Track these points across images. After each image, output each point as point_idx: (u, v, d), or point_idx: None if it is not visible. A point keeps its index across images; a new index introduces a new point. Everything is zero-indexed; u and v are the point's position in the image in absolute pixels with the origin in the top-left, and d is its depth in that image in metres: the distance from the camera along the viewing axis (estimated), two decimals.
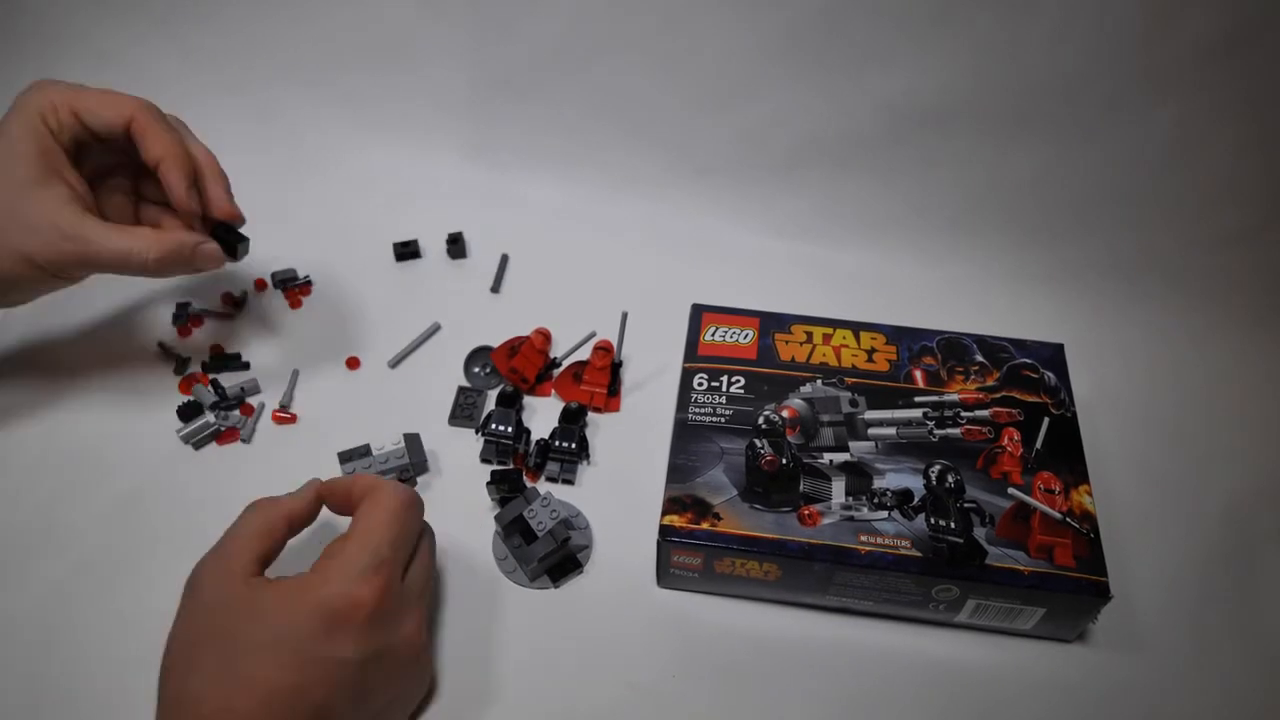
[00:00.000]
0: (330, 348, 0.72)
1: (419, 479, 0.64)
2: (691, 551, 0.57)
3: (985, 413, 0.62)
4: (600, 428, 0.69)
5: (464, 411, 0.68)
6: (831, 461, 0.60)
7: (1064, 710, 0.56)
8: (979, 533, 0.56)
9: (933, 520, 0.57)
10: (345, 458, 0.63)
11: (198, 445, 0.65)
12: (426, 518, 0.54)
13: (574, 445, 0.64)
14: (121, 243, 0.55)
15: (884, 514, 0.57)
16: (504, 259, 0.67)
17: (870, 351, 0.66)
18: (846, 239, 0.82)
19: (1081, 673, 0.58)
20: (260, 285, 0.76)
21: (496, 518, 0.59)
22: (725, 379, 0.64)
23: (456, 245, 0.79)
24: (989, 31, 0.72)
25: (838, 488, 0.58)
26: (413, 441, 0.64)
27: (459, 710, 0.54)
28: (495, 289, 0.71)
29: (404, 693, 0.51)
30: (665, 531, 0.56)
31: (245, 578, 0.47)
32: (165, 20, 0.84)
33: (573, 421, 0.66)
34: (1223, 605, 0.61)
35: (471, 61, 0.82)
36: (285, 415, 0.67)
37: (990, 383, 0.64)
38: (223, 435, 0.66)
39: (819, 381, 0.64)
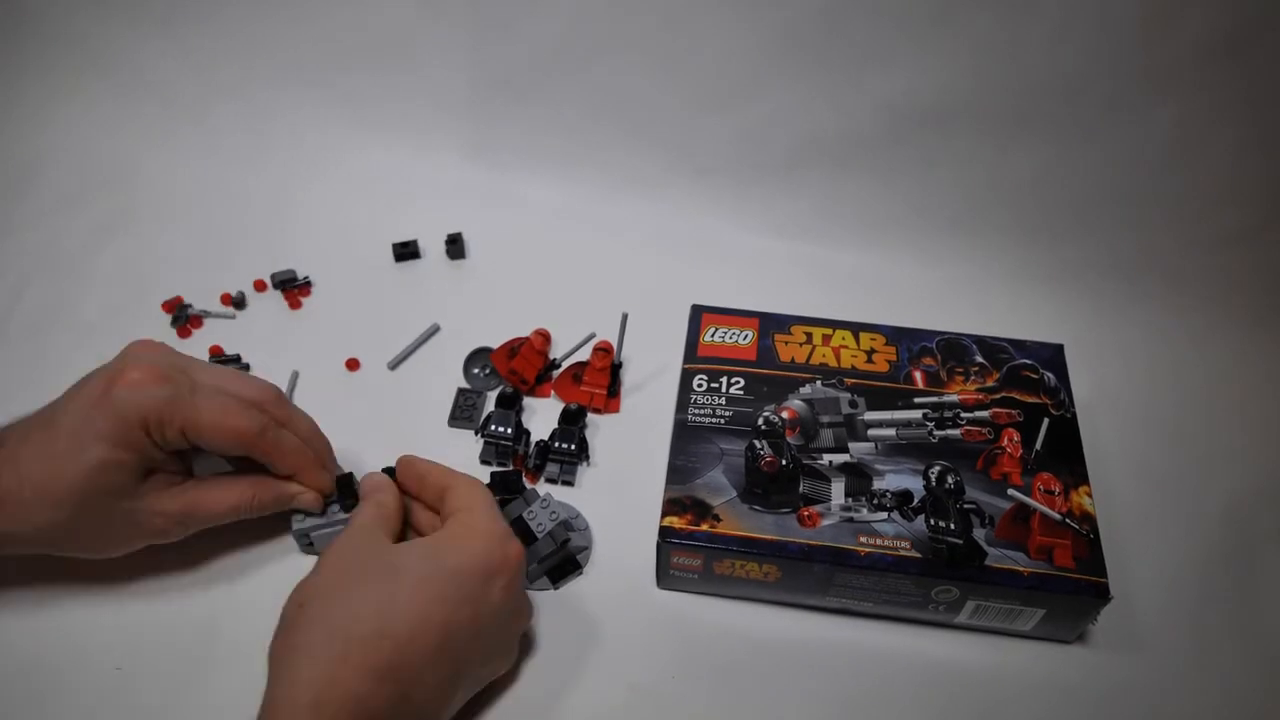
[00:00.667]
0: (330, 349, 0.72)
1: None
2: (691, 553, 0.57)
3: (985, 413, 0.62)
4: (600, 429, 0.69)
5: (463, 413, 0.68)
6: (831, 463, 0.60)
7: (1064, 710, 0.56)
8: (979, 534, 0.56)
9: (932, 521, 0.57)
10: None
11: None
12: None
13: (573, 446, 0.64)
14: (228, 503, 0.55)
15: (884, 515, 0.57)
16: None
17: (870, 352, 0.66)
18: (846, 239, 0.82)
19: (1081, 673, 0.58)
20: (260, 286, 0.76)
21: None
22: (725, 380, 0.64)
23: (456, 245, 0.79)
24: (989, 31, 0.72)
25: (837, 489, 0.58)
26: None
27: (459, 712, 0.54)
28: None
29: (504, 660, 0.53)
30: (665, 533, 0.56)
31: (386, 541, 0.51)
32: (166, 21, 0.84)
33: (572, 423, 0.66)
34: (1223, 605, 0.61)
35: (471, 62, 0.82)
36: None
37: (990, 383, 0.64)
38: None
39: (819, 382, 0.64)
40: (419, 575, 0.47)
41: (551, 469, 0.65)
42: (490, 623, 0.49)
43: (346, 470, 0.60)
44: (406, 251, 0.79)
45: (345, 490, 0.59)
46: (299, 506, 0.58)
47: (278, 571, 0.59)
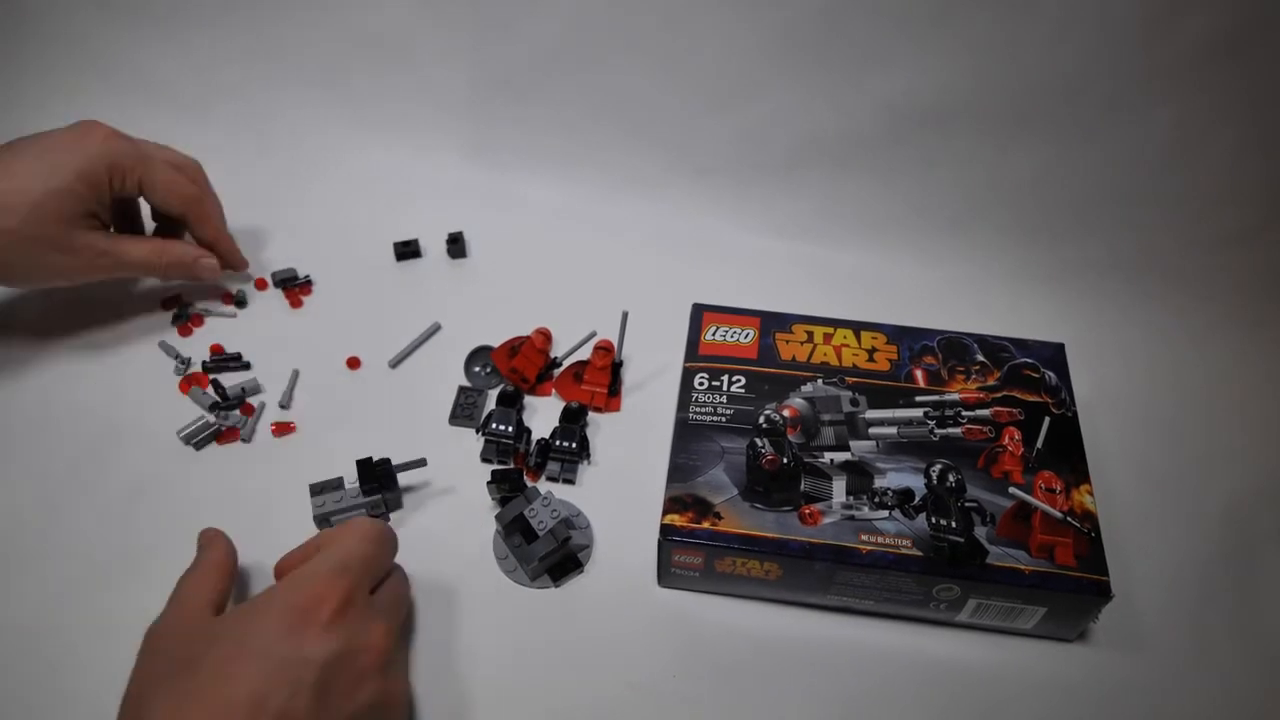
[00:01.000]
0: (330, 348, 0.72)
1: (393, 514, 0.63)
2: (692, 551, 0.57)
3: (986, 412, 0.62)
4: (601, 427, 0.69)
5: (464, 411, 0.68)
6: (832, 461, 0.60)
7: (1064, 710, 0.56)
8: (980, 532, 0.56)
9: (934, 519, 0.57)
10: (316, 490, 0.61)
11: (198, 445, 0.65)
12: (417, 538, 0.56)
13: (574, 445, 0.64)
14: (141, 253, 0.68)
15: (885, 513, 0.57)
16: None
17: (871, 351, 0.66)
18: (847, 239, 0.82)
19: (1082, 673, 0.58)
20: (261, 285, 0.76)
21: (497, 517, 0.59)
22: (726, 378, 0.64)
23: (457, 245, 0.79)
24: (989, 31, 0.72)
25: (838, 487, 0.58)
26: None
27: (459, 710, 0.54)
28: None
29: (370, 710, 0.47)
30: (666, 531, 0.56)
31: (202, 614, 0.48)
32: (166, 21, 0.85)
33: (573, 421, 0.66)
34: (1223, 604, 0.61)
35: (472, 62, 0.82)
36: (284, 425, 0.67)
37: (991, 382, 0.64)
38: (223, 435, 0.65)
39: (820, 381, 0.64)
40: (217, 655, 0.44)
41: (552, 467, 0.65)
42: (313, 676, 0.44)
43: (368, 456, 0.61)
44: (408, 250, 0.79)
45: (367, 474, 0.60)
46: (200, 272, 0.70)
47: None
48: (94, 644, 0.55)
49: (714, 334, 0.67)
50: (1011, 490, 0.58)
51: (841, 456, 0.60)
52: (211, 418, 0.65)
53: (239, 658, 0.44)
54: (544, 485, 0.65)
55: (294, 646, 0.44)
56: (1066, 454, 0.60)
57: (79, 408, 0.66)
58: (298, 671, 0.44)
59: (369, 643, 0.47)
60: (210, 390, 0.68)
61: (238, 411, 0.67)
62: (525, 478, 0.63)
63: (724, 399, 0.63)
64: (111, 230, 0.68)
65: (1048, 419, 0.62)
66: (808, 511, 0.57)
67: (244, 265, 0.75)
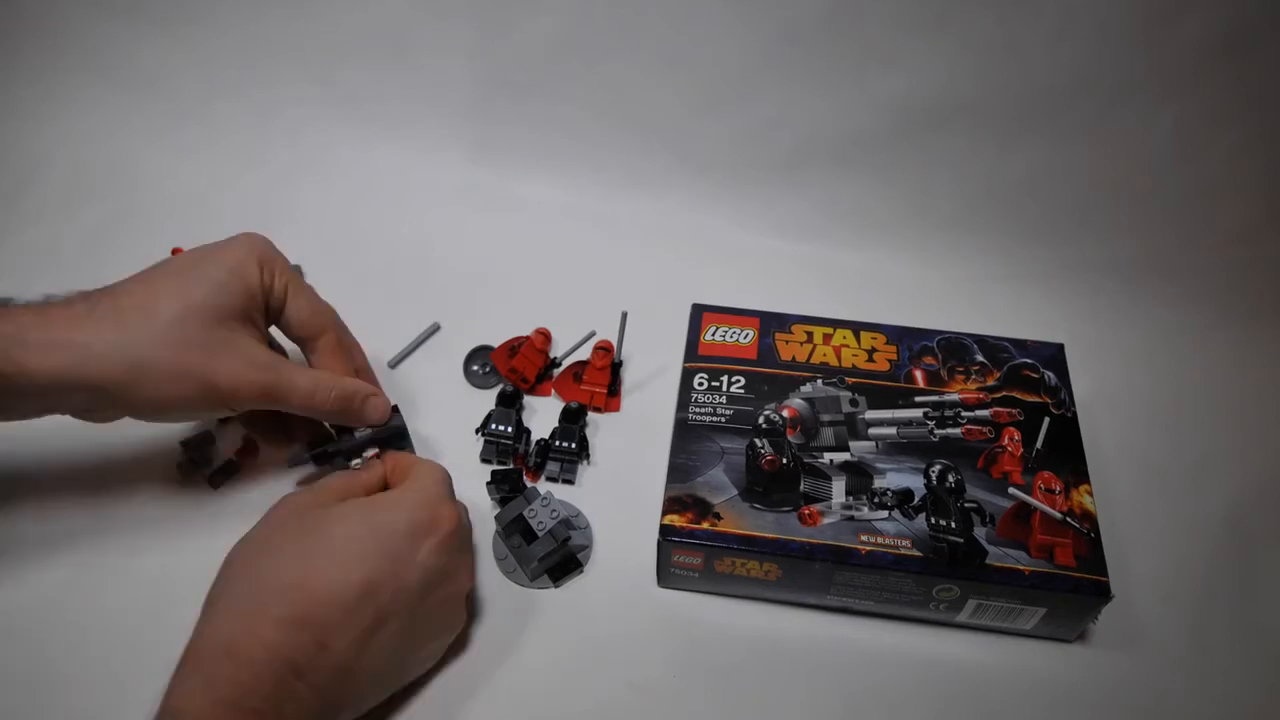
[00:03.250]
0: None
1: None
2: (692, 551, 0.57)
3: (985, 412, 0.62)
4: (600, 428, 0.69)
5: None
6: (832, 461, 0.60)
7: (1064, 710, 0.56)
8: (979, 532, 0.56)
9: (933, 520, 0.57)
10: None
11: (216, 484, 0.64)
12: None
13: (574, 445, 0.64)
14: (308, 382, 0.56)
15: (884, 514, 0.57)
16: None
17: (871, 351, 0.66)
18: (847, 239, 0.82)
19: (1081, 673, 0.58)
20: None
21: (496, 517, 0.59)
22: (725, 379, 0.64)
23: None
24: (989, 31, 0.72)
25: (838, 487, 0.58)
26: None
27: (459, 709, 0.54)
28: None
29: (443, 630, 0.54)
30: (665, 531, 0.56)
31: (321, 504, 0.51)
32: (165, 20, 0.84)
33: (573, 421, 0.66)
34: (1223, 605, 0.61)
35: (472, 61, 0.82)
36: (246, 447, 0.66)
37: (990, 382, 0.64)
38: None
39: (819, 381, 0.64)
40: (342, 533, 0.48)
41: (552, 467, 0.65)
42: (418, 581, 0.49)
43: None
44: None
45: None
46: (368, 413, 0.59)
47: None
48: (92, 644, 0.55)
49: (713, 334, 0.67)
50: (1011, 491, 0.58)
51: (841, 457, 0.60)
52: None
53: (363, 540, 0.48)
54: (543, 485, 0.65)
55: (413, 550, 0.49)
56: (1066, 454, 0.60)
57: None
58: (408, 576, 0.49)
59: (461, 572, 0.53)
60: None
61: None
62: (525, 478, 0.63)
63: (723, 399, 0.63)
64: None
65: (1047, 419, 0.62)
66: (807, 512, 0.57)
67: (388, 410, 0.61)
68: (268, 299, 0.56)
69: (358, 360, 0.62)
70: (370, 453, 0.59)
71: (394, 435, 0.62)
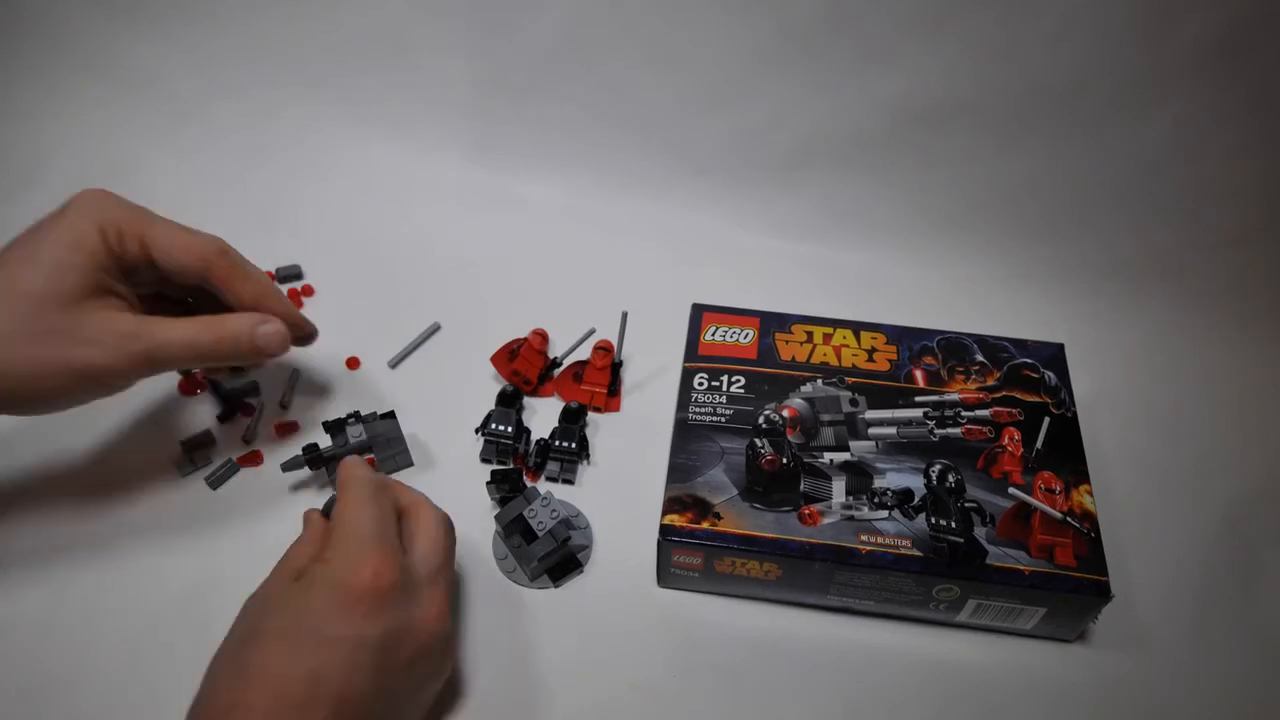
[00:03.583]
0: (330, 347, 0.72)
1: (403, 471, 0.64)
2: (692, 551, 0.57)
3: (985, 412, 0.62)
4: (600, 428, 0.69)
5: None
6: (832, 461, 0.60)
7: (1064, 710, 0.56)
8: (980, 532, 0.56)
9: (933, 520, 0.57)
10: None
11: (215, 485, 0.63)
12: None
13: (574, 445, 0.64)
14: (183, 334, 0.52)
15: (884, 513, 0.57)
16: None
17: (871, 351, 0.66)
18: (847, 239, 0.82)
19: (1081, 673, 0.58)
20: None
21: (496, 517, 0.59)
22: (725, 378, 0.64)
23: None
24: (990, 32, 0.72)
25: (838, 487, 0.58)
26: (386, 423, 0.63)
27: (459, 710, 0.54)
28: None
29: (426, 682, 0.49)
30: (665, 531, 0.56)
31: (283, 582, 0.47)
32: (164, 20, 0.84)
33: (573, 421, 0.66)
34: (1223, 605, 0.61)
35: (472, 61, 0.82)
36: (287, 424, 0.67)
37: (991, 382, 0.64)
38: (243, 458, 0.65)
39: (819, 381, 0.64)
40: (276, 631, 0.44)
41: (552, 467, 0.65)
42: (369, 655, 0.44)
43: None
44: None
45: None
46: (263, 343, 0.54)
47: None
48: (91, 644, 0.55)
49: (713, 334, 0.67)
50: (1011, 490, 0.58)
51: (841, 457, 0.60)
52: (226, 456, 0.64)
53: (294, 635, 0.44)
54: (543, 485, 0.65)
55: (347, 626, 0.44)
56: (1066, 454, 0.60)
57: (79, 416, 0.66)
58: (353, 653, 0.44)
59: (423, 617, 0.47)
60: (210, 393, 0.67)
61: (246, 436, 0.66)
62: (525, 478, 0.63)
63: (723, 399, 0.63)
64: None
65: (1047, 419, 0.62)
66: (807, 512, 0.57)
67: (313, 331, 0.61)
68: (122, 260, 0.52)
69: (256, 288, 0.55)
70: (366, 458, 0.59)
71: (389, 439, 0.62)
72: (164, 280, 0.55)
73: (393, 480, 0.54)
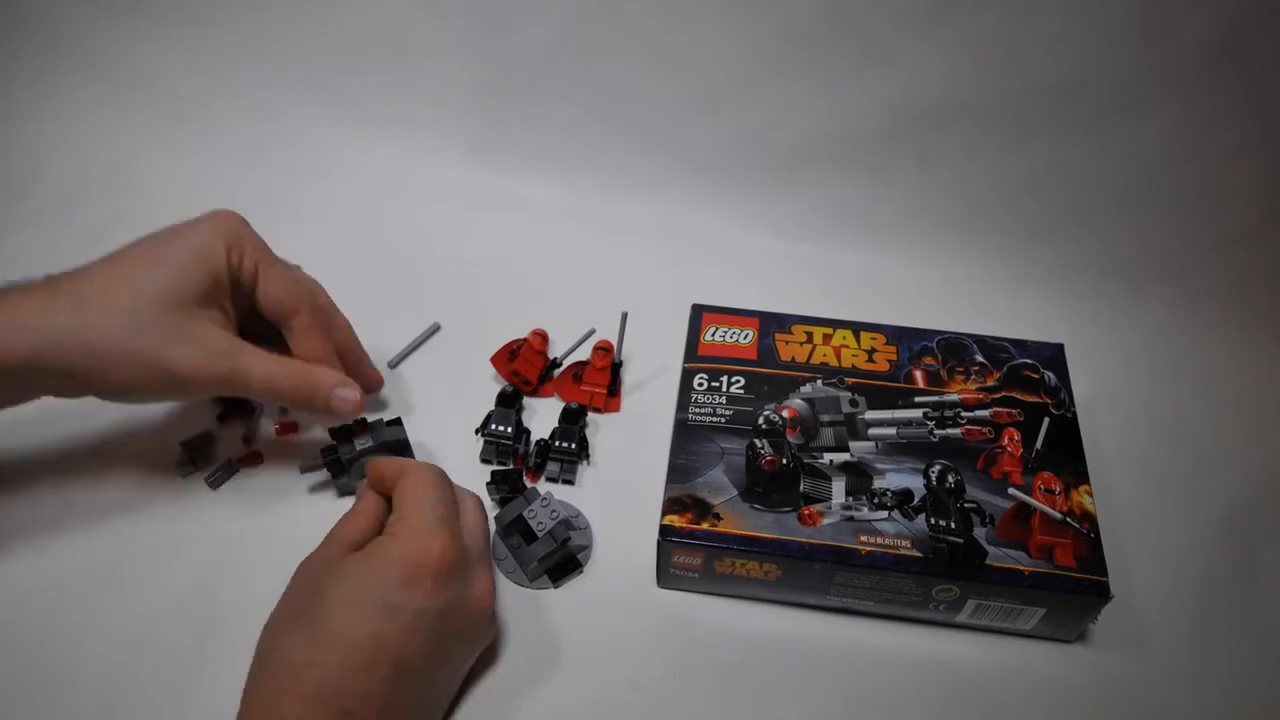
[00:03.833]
0: None
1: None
2: (692, 551, 0.57)
3: (985, 413, 0.62)
4: (600, 428, 0.69)
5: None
6: (832, 461, 0.60)
7: (1064, 710, 0.56)
8: (979, 533, 0.56)
9: (933, 520, 0.57)
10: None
11: (215, 485, 0.63)
12: None
13: (574, 445, 0.64)
14: (268, 370, 0.55)
15: (884, 514, 0.57)
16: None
17: (870, 352, 0.66)
18: (847, 239, 0.82)
19: (1081, 673, 0.58)
20: None
21: (496, 518, 0.59)
22: (725, 379, 0.64)
23: None
24: (989, 32, 0.72)
25: (838, 488, 0.58)
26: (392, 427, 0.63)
27: (459, 710, 0.54)
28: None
29: (472, 648, 0.53)
30: (665, 531, 0.56)
31: (338, 556, 0.50)
32: (165, 20, 0.84)
33: (573, 422, 0.66)
34: (1223, 605, 0.61)
35: (472, 61, 0.82)
36: (288, 424, 0.67)
37: (990, 383, 0.64)
38: (245, 457, 0.65)
39: (819, 381, 0.64)
40: (343, 598, 0.47)
41: (552, 468, 0.65)
42: (427, 624, 0.48)
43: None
44: None
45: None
46: (336, 404, 0.58)
47: None
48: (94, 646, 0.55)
49: (713, 334, 0.67)
50: (1011, 491, 0.58)
51: (841, 457, 0.60)
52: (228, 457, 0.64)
53: (361, 602, 0.47)
54: (543, 486, 0.65)
55: (411, 599, 0.47)
56: (1066, 455, 0.60)
57: (81, 415, 0.66)
58: (414, 622, 0.47)
59: (476, 592, 0.51)
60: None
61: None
62: (525, 478, 0.63)
63: (723, 400, 0.63)
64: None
65: (1047, 419, 0.62)
66: (807, 512, 0.57)
67: (380, 383, 0.66)
68: (236, 281, 0.56)
69: (340, 340, 0.61)
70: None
71: (396, 446, 0.62)
72: (254, 309, 0.58)
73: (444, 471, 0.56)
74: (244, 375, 0.54)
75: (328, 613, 0.47)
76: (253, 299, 0.57)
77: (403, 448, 0.62)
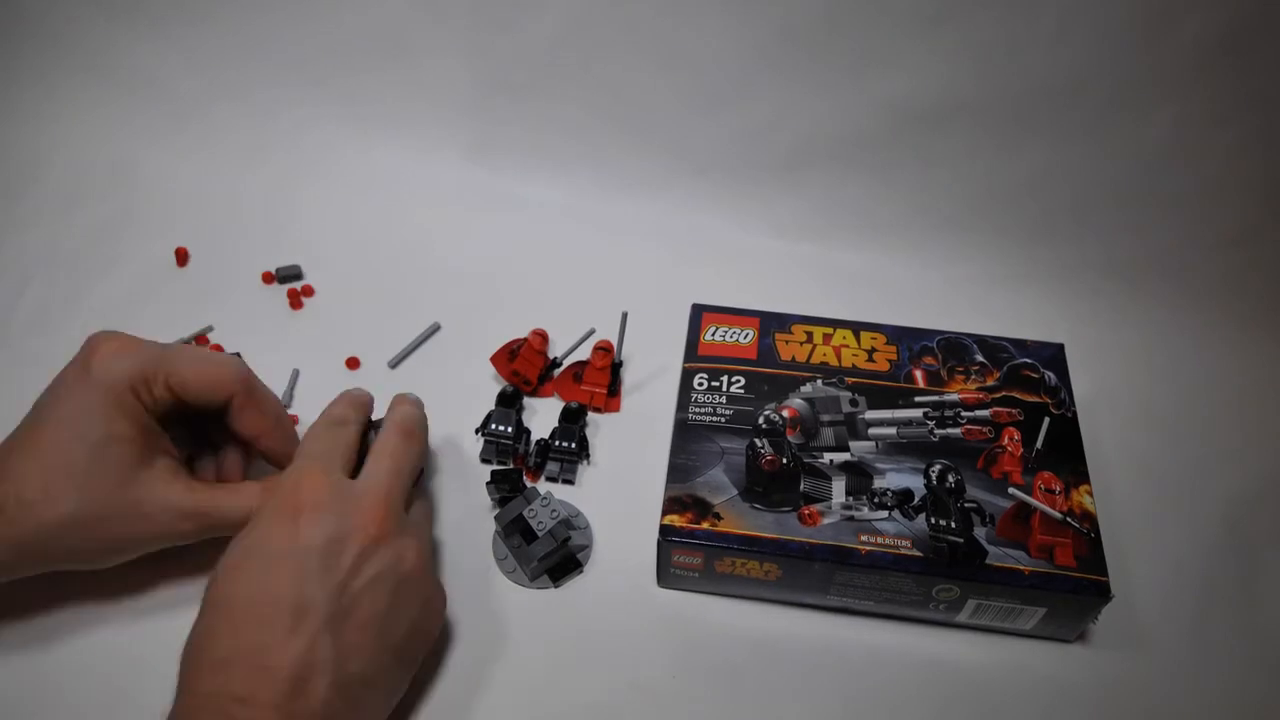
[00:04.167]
0: (330, 348, 0.72)
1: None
2: (692, 551, 0.57)
3: (985, 413, 0.62)
4: (600, 428, 0.69)
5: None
6: (832, 461, 0.60)
7: (1064, 710, 0.56)
8: (979, 533, 0.56)
9: (933, 520, 0.57)
10: None
11: None
12: None
13: (574, 445, 0.64)
14: (241, 505, 0.52)
15: (884, 514, 0.57)
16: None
17: (870, 351, 0.66)
18: (847, 239, 0.82)
19: (1081, 673, 0.58)
20: (267, 279, 0.77)
21: (496, 517, 0.59)
22: (725, 379, 0.64)
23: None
24: (989, 32, 0.72)
25: (838, 487, 0.58)
26: None
27: (458, 710, 0.54)
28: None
29: (396, 595, 0.48)
30: (665, 531, 0.56)
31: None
32: (164, 21, 0.84)
33: (573, 421, 0.66)
34: (1223, 605, 0.61)
35: (472, 61, 0.82)
36: None
37: (990, 383, 0.64)
38: None
39: (819, 381, 0.64)
40: (228, 563, 0.46)
41: (552, 467, 0.65)
42: (317, 561, 0.45)
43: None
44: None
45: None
46: None
47: None
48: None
49: (713, 334, 0.67)
50: (1011, 491, 0.58)
51: (841, 457, 0.60)
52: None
53: (243, 557, 0.46)
54: (543, 485, 0.65)
55: (287, 539, 0.46)
56: (1066, 454, 0.60)
57: None
58: (300, 562, 0.45)
59: (361, 520, 0.48)
60: None
61: None
62: (524, 478, 0.63)
63: (723, 399, 0.63)
64: (190, 470, 0.55)
65: (1047, 419, 0.62)
66: (807, 512, 0.57)
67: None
68: (156, 411, 0.52)
69: (273, 411, 0.57)
70: None
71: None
72: (182, 404, 0.54)
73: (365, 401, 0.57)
74: (220, 523, 0.52)
75: (218, 581, 0.46)
76: (178, 408, 0.53)
77: None
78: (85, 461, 0.48)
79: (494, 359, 0.71)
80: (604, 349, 0.68)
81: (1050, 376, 0.65)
